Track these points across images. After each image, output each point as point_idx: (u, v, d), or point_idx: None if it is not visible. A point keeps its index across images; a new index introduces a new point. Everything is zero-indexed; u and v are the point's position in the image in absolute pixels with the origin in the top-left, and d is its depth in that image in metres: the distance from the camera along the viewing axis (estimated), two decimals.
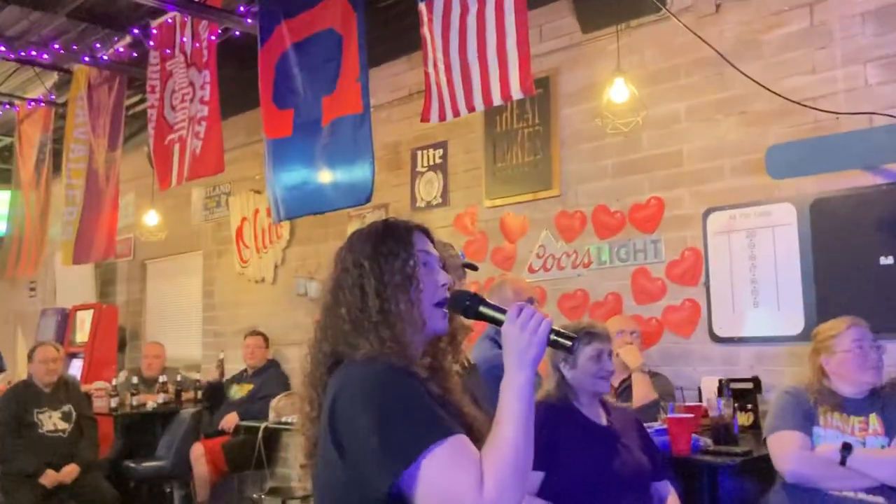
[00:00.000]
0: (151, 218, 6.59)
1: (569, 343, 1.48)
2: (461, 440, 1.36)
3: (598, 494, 2.54)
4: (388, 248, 1.52)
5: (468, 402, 1.60)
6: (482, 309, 1.52)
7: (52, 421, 4.87)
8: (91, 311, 7.23)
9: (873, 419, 2.73)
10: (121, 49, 5.64)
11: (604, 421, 2.72)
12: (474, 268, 1.44)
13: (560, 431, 2.57)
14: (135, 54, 5.66)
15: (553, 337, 1.46)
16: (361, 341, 1.46)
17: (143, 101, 6.00)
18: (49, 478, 4.65)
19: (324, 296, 1.57)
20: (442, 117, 3.94)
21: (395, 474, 1.32)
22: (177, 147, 5.19)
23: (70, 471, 4.74)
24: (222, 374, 5.83)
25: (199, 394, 6.00)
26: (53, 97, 6.68)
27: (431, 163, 5.20)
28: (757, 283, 3.78)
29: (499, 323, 1.49)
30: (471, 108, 3.83)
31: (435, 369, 1.58)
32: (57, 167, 6.67)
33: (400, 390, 1.40)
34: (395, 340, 1.45)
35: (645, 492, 2.64)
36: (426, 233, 1.61)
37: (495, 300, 1.54)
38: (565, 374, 2.68)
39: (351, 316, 1.49)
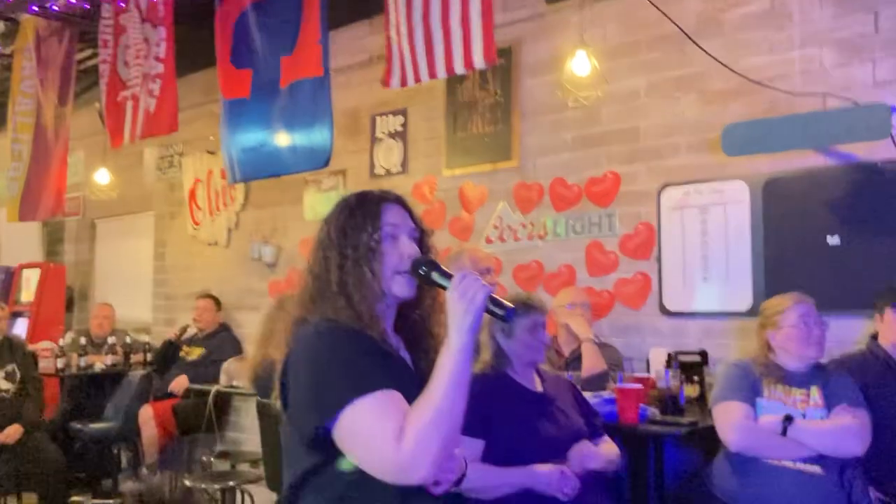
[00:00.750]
0: (102, 176, 6.42)
1: (503, 312, 1.52)
2: (389, 394, 1.45)
3: (537, 458, 2.61)
4: (355, 221, 1.60)
5: None
6: (433, 275, 1.57)
7: None
8: (38, 270, 7.06)
9: (814, 392, 2.82)
10: (72, 0, 5.45)
11: (539, 388, 2.82)
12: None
13: (494, 402, 2.65)
14: (87, 6, 5.47)
15: (490, 306, 1.50)
16: (321, 306, 1.57)
17: (94, 55, 5.82)
18: (7, 433, 4.58)
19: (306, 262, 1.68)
20: (403, 83, 3.91)
21: (318, 420, 1.46)
22: (130, 104, 5.05)
23: (12, 432, 4.65)
24: (180, 336, 5.77)
25: (149, 356, 5.93)
26: None
27: (391, 130, 5.16)
28: (708, 258, 3.86)
29: (445, 289, 1.54)
30: (433, 76, 3.81)
31: (411, 328, 1.67)
32: (2, 120, 6.46)
33: (337, 343, 1.50)
34: (350, 308, 1.54)
35: None
36: (402, 204, 1.67)
37: (454, 270, 1.56)
38: (501, 343, 2.79)
39: (316, 284, 1.59)
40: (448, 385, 1.44)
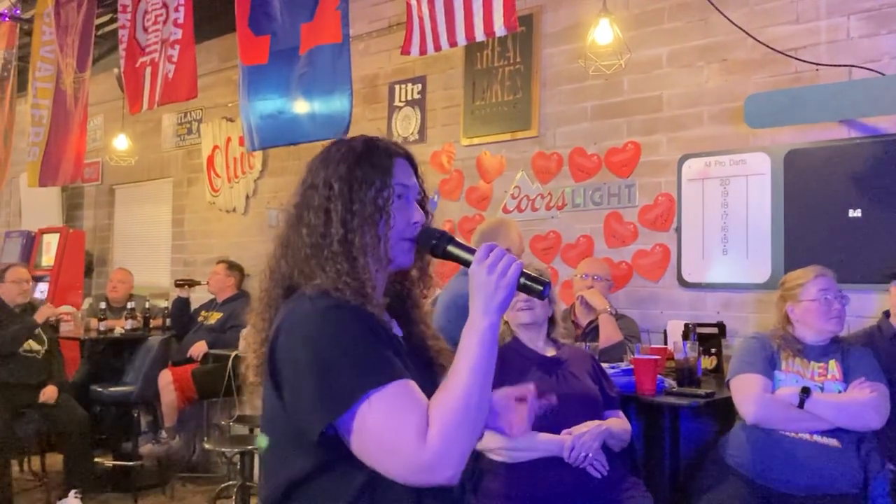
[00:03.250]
0: (121, 142, 6.45)
1: (540, 288, 1.37)
2: (405, 385, 1.27)
3: (549, 418, 2.63)
4: (363, 172, 1.41)
5: (434, 335, 1.55)
6: (450, 248, 1.43)
7: (27, 342, 4.86)
8: (57, 235, 7.12)
9: (832, 365, 2.82)
10: None
11: (551, 353, 2.83)
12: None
13: (504, 365, 2.64)
14: None
15: (524, 281, 1.35)
16: (318, 271, 1.37)
17: (113, 20, 5.80)
18: (46, 394, 4.73)
19: (289, 208, 1.46)
20: (423, 51, 3.87)
21: (327, 420, 1.25)
22: (148, 70, 5.04)
23: (51, 392, 4.78)
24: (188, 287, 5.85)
25: (167, 322, 5.99)
26: (18, 12, 6.43)
27: (409, 98, 5.14)
28: (727, 230, 3.83)
29: (466, 263, 1.38)
30: (452, 43, 3.77)
31: (402, 299, 1.53)
32: (22, 86, 6.47)
33: (343, 330, 1.29)
34: (353, 276, 1.35)
35: (597, 416, 2.72)
36: (409, 160, 1.49)
37: (501, 242, 1.47)
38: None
39: (311, 240, 1.39)
40: (475, 371, 1.27)
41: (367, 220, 1.38)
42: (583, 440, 2.59)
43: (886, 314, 3.09)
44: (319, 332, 1.29)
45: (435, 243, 1.43)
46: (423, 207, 1.49)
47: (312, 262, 1.38)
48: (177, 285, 5.83)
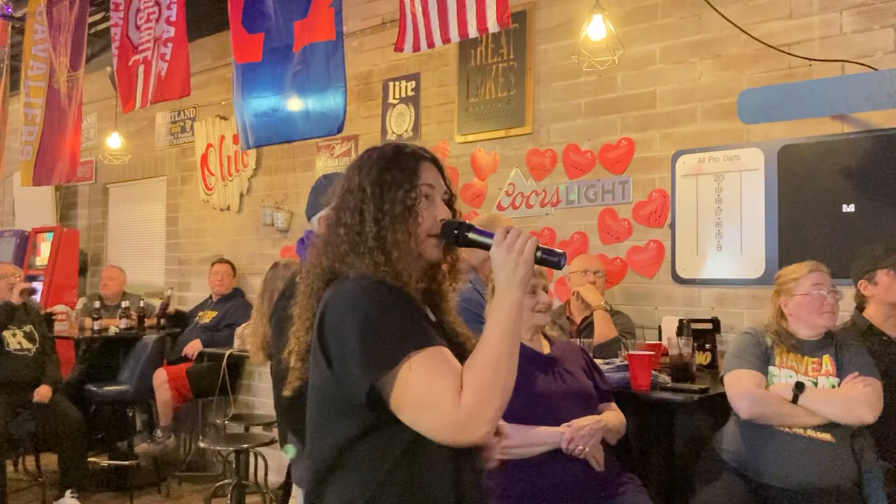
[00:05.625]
0: (114, 141, 6.43)
1: (555, 259, 1.49)
2: (442, 351, 1.40)
3: (544, 417, 2.65)
4: (392, 176, 1.54)
5: (461, 324, 1.66)
6: (470, 235, 1.54)
7: (16, 339, 4.84)
8: (51, 235, 7.10)
9: (826, 360, 2.82)
10: None
11: (546, 351, 2.84)
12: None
13: None
14: None
15: (540, 255, 1.47)
16: (357, 262, 1.50)
17: (106, 19, 5.79)
18: (40, 393, 4.72)
19: (330, 210, 1.60)
20: (416, 48, 3.87)
21: (372, 378, 1.37)
22: (141, 69, 5.04)
23: (45, 391, 4.78)
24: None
25: (163, 321, 5.98)
26: (10, 10, 6.41)
27: (403, 95, 5.13)
28: (721, 226, 3.84)
29: (486, 247, 1.50)
30: (446, 40, 3.77)
31: (432, 292, 1.64)
32: (15, 85, 6.46)
33: (384, 301, 1.42)
34: (390, 266, 1.48)
35: (592, 411, 2.74)
36: (436, 164, 1.63)
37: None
38: None
39: (349, 238, 1.52)
40: (503, 339, 1.40)
41: (398, 219, 1.50)
42: (581, 433, 2.60)
43: (859, 308, 3.11)
44: (363, 302, 1.42)
45: (457, 233, 1.54)
46: (450, 207, 1.61)
47: (352, 255, 1.51)
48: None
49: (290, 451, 1.39)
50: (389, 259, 1.48)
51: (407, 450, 1.41)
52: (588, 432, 2.61)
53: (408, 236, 1.50)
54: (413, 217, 1.51)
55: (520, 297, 1.44)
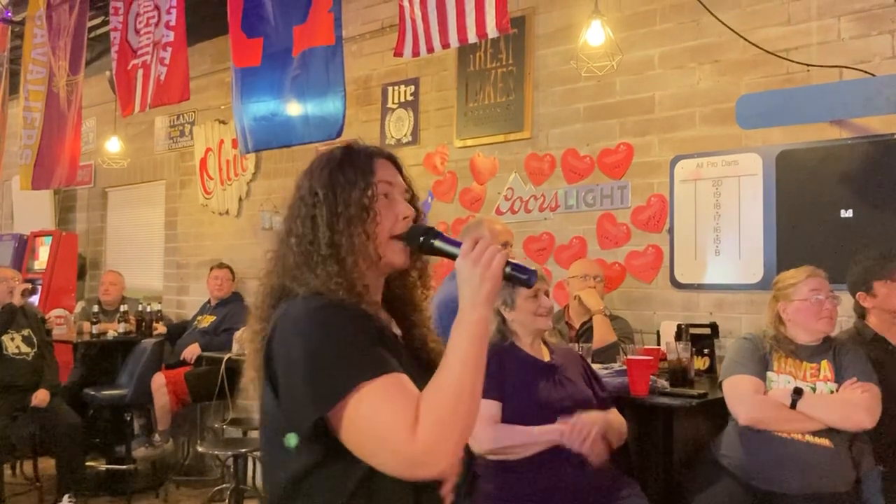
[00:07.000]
0: (113, 145, 6.43)
1: (525, 277, 1.36)
2: (397, 379, 1.27)
3: (547, 423, 2.64)
4: (345, 176, 1.42)
5: (434, 338, 1.54)
6: (436, 243, 1.42)
7: (14, 344, 4.84)
8: (50, 239, 7.09)
9: (824, 366, 2.82)
10: None
11: (547, 358, 2.83)
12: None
13: (505, 369, 2.66)
14: None
15: (508, 271, 1.35)
16: (308, 276, 1.37)
17: (105, 23, 5.79)
18: (38, 398, 4.70)
19: (280, 224, 1.49)
20: (416, 53, 3.87)
21: (319, 412, 1.25)
22: (140, 73, 5.03)
23: (43, 395, 4.77)
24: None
25: (161, 325, 5.97)
26: (9, 14, 6.42)
27: (402, 100, 5.14)
28: (720, 231, 3.84)
29: (452, 257, 1.39)
30: (445, 45, 3.77)
31: (402, 301, 1.53)
32: (14, 88, 6.45)
33: (334, 326, 1.30)
34: (344, 276, 1.36)
35: None
36: (392, 160, 1.50)
37: (463, 237, 1.47)
38: (506, 316, 2.80)
39: (301, 248, 1.40)
40: (465, 364, 1.26)
41: (354, 220, 1.39)
42: (583, 420, 2.59)
43: (861, 316, 3.11)
44: (311, 328, 1.30)
45: (422, 238, 1.43)
46: (412, 205, 1.49)
47: (304, 268, 1.38)
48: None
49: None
50: (343, 268, 1.36)
51: (361, 483, 1.30)
52: (590, 420, 2.61)
53: (365, 238, 1.38)
54: (371, 216, 1.39)
55: (485, 315, 1.31)
